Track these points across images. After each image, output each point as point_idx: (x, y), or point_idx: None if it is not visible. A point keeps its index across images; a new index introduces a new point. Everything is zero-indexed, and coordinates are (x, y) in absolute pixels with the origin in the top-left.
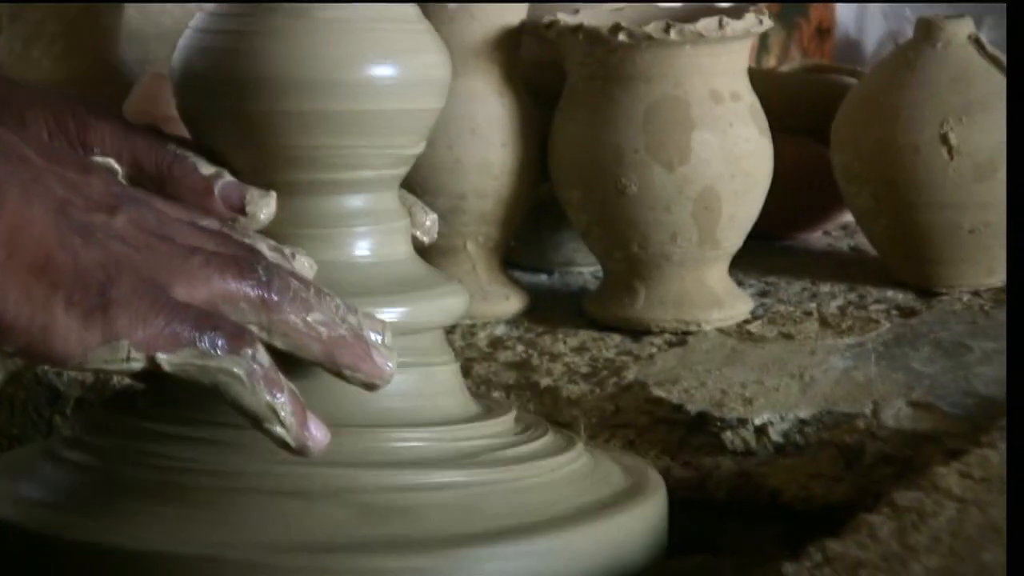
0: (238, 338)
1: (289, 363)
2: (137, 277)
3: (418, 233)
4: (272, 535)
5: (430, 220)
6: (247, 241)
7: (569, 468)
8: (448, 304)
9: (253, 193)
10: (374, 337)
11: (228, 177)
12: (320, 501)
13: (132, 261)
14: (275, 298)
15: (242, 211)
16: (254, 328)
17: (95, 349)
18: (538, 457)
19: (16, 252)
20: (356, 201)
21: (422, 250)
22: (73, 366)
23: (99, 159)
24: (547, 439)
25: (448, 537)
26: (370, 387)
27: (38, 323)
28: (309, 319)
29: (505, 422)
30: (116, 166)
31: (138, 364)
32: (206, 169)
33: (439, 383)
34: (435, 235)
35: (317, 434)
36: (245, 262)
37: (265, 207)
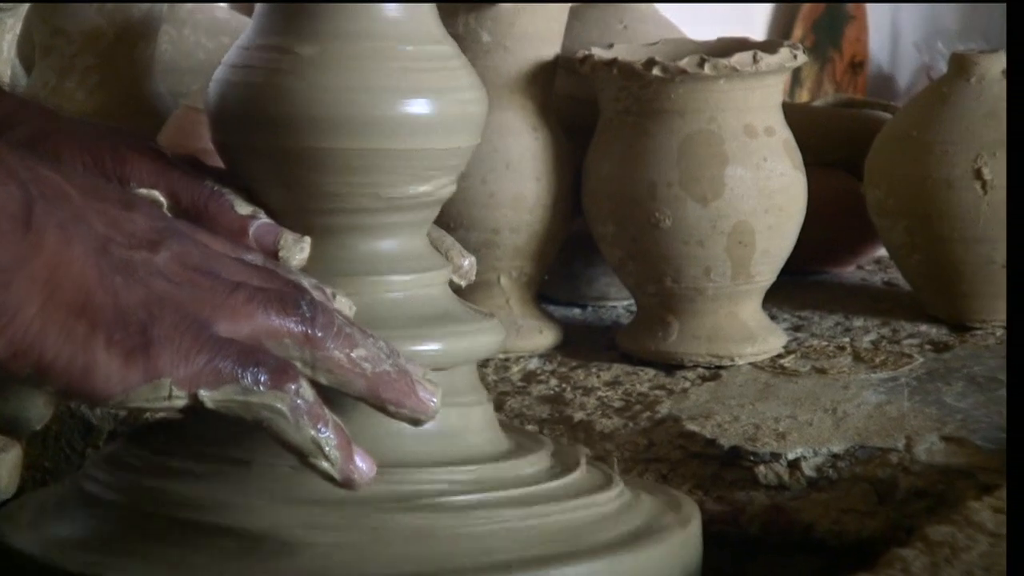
0: (281, 374)
1: (325, 402)
2: (179, 314)
3: (455, 277)
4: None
5: (468, 263)
6: (291, 277)
7: (605, 507)
8: (482, 340)
9: (287, 237)
10: (417, 372)
11: (263, 218)
12: (347, 538)
13: (174, 298)
14: (319, 334)
15: (275, 254)
16: (298, 364)
17: (137, 388)
18: (571, 496)
19: (55, 293)
20: (390, 238)
21: (456, 284)
22: (114, 405)
23: (143, 191)
24: (582, 476)
25: (480, 567)
26: (415, 422)
27: (79, 363)
28: (353, 355)
29: (539, 459)
30: (161, 198)
31: (180, 401)
32: (242, 208)
33: (472, 421)
34: (472, 278)
35: (363, 466)
36: (289, 298)
37: (299, 252)
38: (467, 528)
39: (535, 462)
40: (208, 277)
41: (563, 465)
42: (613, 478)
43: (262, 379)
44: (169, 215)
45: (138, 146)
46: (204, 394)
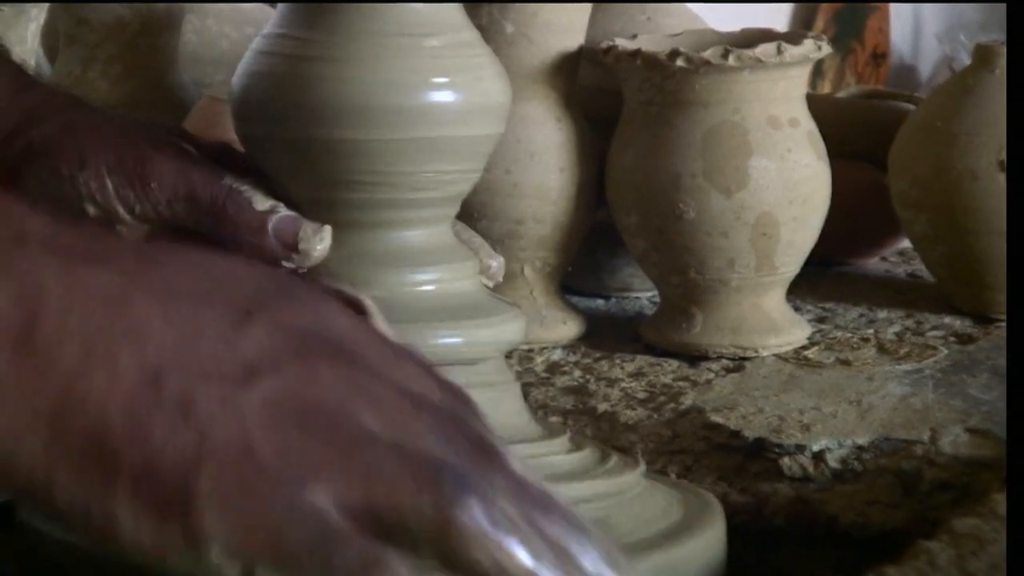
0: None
1: None
2: (250, 467)
3: (483, 278)
4: None
5: (496, 264)
6: (477, 430)
7: (629, 492)
8: (506, 330)
9: (307, 229)
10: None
11: (283, 211)
12: None
13: (252, 453)
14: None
15: (295, 248)
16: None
17: (174, 550)
18: (597, 476)
19: (65, 430)
20: (416, 229)
21: None
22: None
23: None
24: (610, 462)
25: None
26: None
27: (97, 513)
28: None
29: (568, 444)
30: (365, 302)
31: (234, 572)
32: (261, 204)
33: (503, 404)
34: (500, 279)
35: None
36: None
37: (319, 242)
38: None
39: (567, 445)
40: (317, 430)
41: (597, 453)
42: (634, 465)
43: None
44: (328, 326)
45: (161, 143)
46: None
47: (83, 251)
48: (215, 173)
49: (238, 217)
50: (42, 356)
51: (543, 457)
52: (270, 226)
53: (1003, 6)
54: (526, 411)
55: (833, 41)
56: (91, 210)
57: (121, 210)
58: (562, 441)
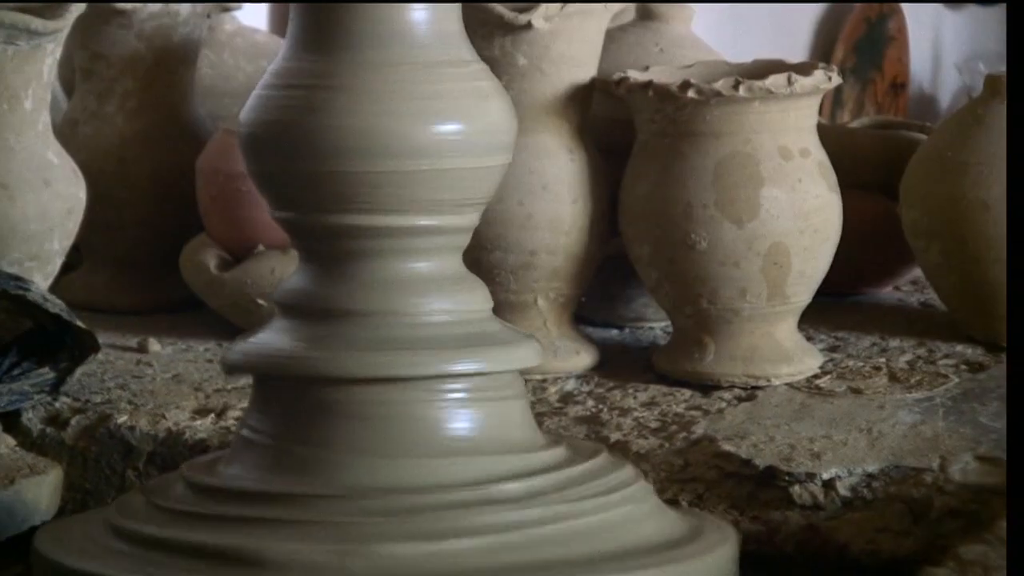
0: None
1: (361, 392)
2: None
3: None
4: None
5: None
6: None
7: (630, 497)
8: (521, 356)
9: None
10: None
11: None
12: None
13: None
14: None
15: None
16: None
17: None
18: (615, 488)
19: None
20: (426, 260)
21: (494, 305)
22: None
23: None
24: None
25: (510, 567)
26: None
27: None
28: None
29: (561, 452)
30: None
31: None
32: None
33: (512, 415)
34: None
35: None
36: None
37: None
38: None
39: (572, 455)
40: None
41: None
42: (640, 476)
43: None
44: None
45: None
46: None
47: None
48: None
49: None
50: None
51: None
52: None
53: None
54: (532, 424)
55: (853, 71)
56: None
57: None
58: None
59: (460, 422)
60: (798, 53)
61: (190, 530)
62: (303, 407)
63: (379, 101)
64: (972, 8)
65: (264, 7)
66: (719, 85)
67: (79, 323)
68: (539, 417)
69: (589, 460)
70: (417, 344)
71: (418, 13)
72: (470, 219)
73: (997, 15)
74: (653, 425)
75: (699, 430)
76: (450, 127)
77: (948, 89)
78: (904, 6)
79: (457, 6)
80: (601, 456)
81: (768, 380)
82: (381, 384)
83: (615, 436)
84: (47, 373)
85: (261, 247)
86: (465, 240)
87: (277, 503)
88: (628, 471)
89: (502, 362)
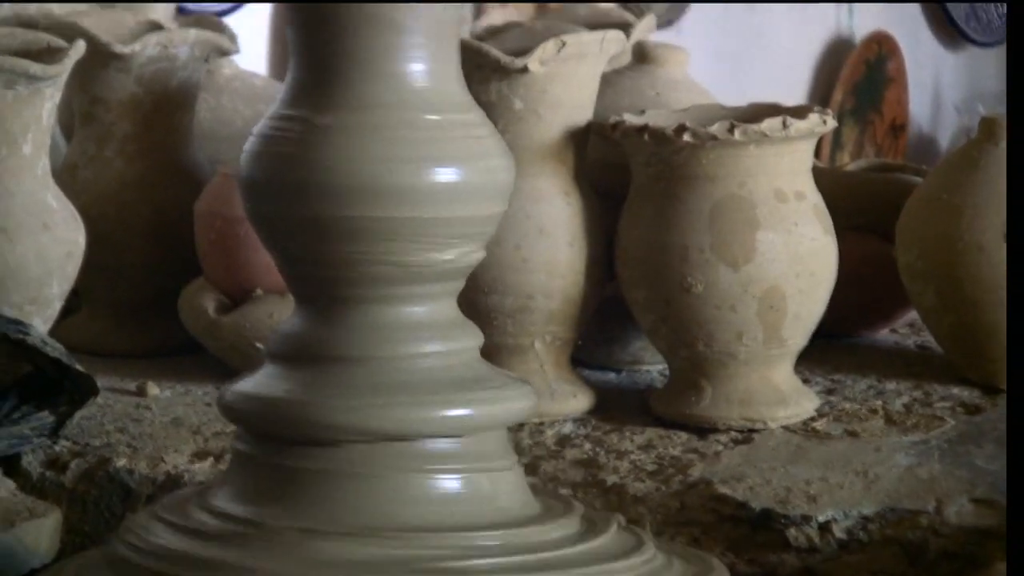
0: None
1: (353, 464)
2: None
3: None
4: None
5: None
6: None
7: (635, 571)
8: (514, 406)
9: None
10: None
11: None
12: None
13: None
14: None
15: None
16: None
17: None
18: (599, 560)
19: None
20: (419, 305)
21: (491, 348)
22: None
23: None
24: (611, 539)
25: None
26: None
27: None
28: None
29: (568, 523)
30: None
31: None
32: None
33: (502, 486)
34: None
35: None
36: None
37: None
38: None
39: (564, 526)
40: None
41: (595, 529)
42: (645, 541)
43: None
44: None
45: None
46: None
47: None
48: None
49: None
50: None
51: (541, 542)
52: None
53: None
54: (526, 490)
55: (852, 113)
56: None
57: None
58: (565, 523)
59: (447, 485)
60: (797, 95)
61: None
62: (291, 453)
63: (376, 147)
64: (971, 49)
65: (263, 52)
66: (714, 129)
67: (78, 367)
68: (536, 460)
69: (596, 536)
70: (411, 389)
71: (415, 66)
72: (466, 265)
73: (996, 56)
74: (650, 468)
75: (696, 473)
76: (447, 173)
77: (947, 130)
78: (903, 47)
79: (455, 52)
80: (611, 530)
81: (765, 423)
82: (373, 431)
83: (612, 479)
84: (47, 417)
85: (259, 291)
86: (460, 286)
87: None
88: (643, 556)
89: (493, 408)
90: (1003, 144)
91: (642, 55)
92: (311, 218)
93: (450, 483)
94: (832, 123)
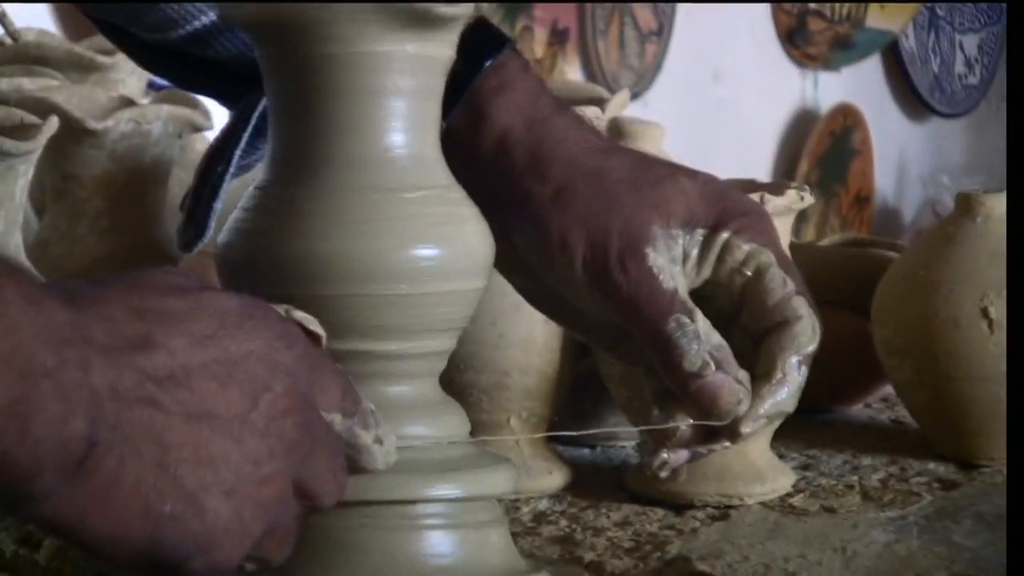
0: None
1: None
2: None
3: None
4: None
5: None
6: None
7: None
8: (498, 482)
9: (726, 398)
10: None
11: (708, 376)
12: None
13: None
14: None
15: (712, 412)
16: None
17: None
18: None
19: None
20: (401, 385)
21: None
22: None
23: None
24: None
25: None
26: None
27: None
28: None
29: None
30: (318, 331)
31: None
32: (690, 364)
33: (490, 542)
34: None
35: None
36: None
37: (738, 404)
38: None
39: None
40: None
41: None
42: None
43: None
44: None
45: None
46: None
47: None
48: (668, 305)
49: (666, 369)
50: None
51: None
52: (692, 389)
53: (986, 148)
54: (512, 549)
55: (817, 185)
56: None
57: None
58: None
59: (438, 547)
60: (763, 167)
61: None
62: None
63: (354, 224)
64: (935, 120)
65: None
66: None
67: None
68: (512, 537)
69: None
70: (397, 467)
71: (395, 137)
72: (447, 343)
73: (960, 127)
74: (627, 545)
75: (673, 550)
76: (426, 251)
77: (912, 202)
78: (868, 119)
79: (435, 130)
80: None
81: (741, 499)
82: (358, 508)
83: (589, 556)
84: None
85: None
86: (442, 364)
87: None
88: None
89: (480, 488)
90: (979, 220)
91: (618, 131)
92: (289, 297)
93: (440, 546)
94: (809, 199)
